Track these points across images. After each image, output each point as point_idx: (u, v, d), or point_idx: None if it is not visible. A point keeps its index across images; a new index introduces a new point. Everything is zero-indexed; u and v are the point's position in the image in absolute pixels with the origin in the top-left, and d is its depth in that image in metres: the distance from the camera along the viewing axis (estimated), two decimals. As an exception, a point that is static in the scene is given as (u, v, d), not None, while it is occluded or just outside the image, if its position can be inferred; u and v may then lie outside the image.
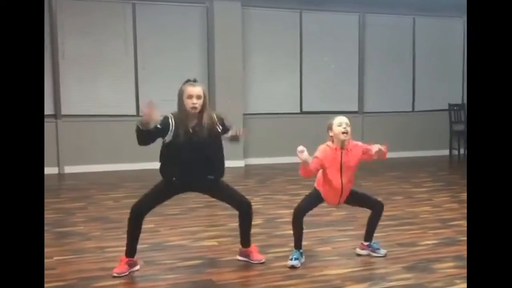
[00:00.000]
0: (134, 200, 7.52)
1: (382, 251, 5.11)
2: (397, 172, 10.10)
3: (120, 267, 4.68)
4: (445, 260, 5.08)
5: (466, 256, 5.09)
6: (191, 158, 4.60)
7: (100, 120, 10.22)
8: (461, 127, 12.24)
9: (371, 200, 5.07)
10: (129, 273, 4.71)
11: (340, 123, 4.75)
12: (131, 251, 4.75)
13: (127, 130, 10.06)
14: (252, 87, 11.02)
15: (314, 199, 4.99)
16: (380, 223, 6.20)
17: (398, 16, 12.07)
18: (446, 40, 12.45)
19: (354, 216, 6.40)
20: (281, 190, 8.42)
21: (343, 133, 4.72)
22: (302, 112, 11.50)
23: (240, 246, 5.07)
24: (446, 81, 12.45)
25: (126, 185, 8.80)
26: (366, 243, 5.14)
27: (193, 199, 7.56)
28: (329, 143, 4.84)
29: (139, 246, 5.43)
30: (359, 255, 5.16)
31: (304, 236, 5.60)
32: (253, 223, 6.33)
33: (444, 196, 7.97)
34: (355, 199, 5.04)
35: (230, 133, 4.85)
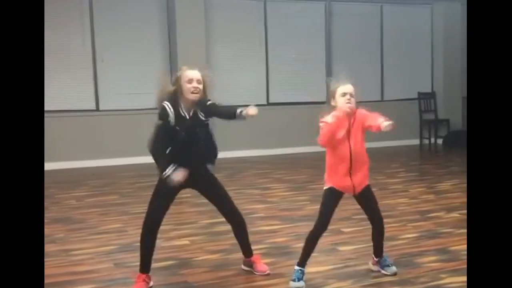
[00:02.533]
0: (98, 199, 7.39)
1: (391, 269, 4.44)
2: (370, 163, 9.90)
3: (139, 286, 4.24)
4: (427, 254, 4.91)
5: (448, 249, 5.00)
6: (189, 146, 4.23)
7: (57, 116, 9.73)
8: (431, 116, 12.15)
9: (373, 210, 4.41)
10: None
11: (344, 92, 4.12)
12: (147, 266, 4.32)
13: (87, 125, 9.85)
14: (216, 79, 10.64)
15: (330, 201, 4.23)
16: (357, 216, 6.04)
17: (365, 4, 11.89)
18: (414, 28, 12.32)
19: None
20: (252, 184, 8.17)
21: (347, 103, 4.11)
22: (268, 104, 11.24)
23: (243, 256, 4.67)
24: (415, 70, 12.34)
25: (88, 183, 8.44)
26: (376, 259, 4.51)
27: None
28: (334, 113, 4.17)
29: (106, 248, 5.17)
30: (338, 250, 4.98)
31: (279, 232, 5.38)
32: (224, 219, 6.11)
33: (420, 187, 7.81)
34: (365, 197, 4.34)
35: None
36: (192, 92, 4.16)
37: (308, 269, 4.48)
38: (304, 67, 11.38)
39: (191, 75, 4.20)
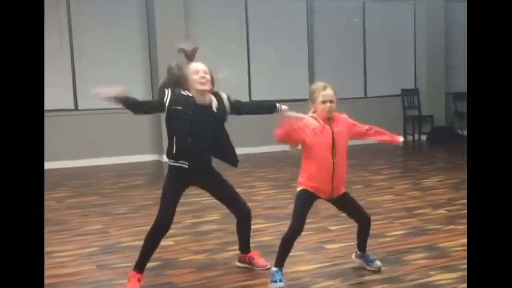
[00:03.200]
0: (78, 200, 7.24)
1: (376, 264, 4.37)
2: (353, 160, 9.71)
3: (132, 284, 4.12)
4: (415, 251, 4.83)
5: (436, 245, 4.94)
6: (200, 138, 4.12)
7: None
8: (415, 112, 12.11)
9: (359, 212, 4.36)
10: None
11: (324, 100, 4.01)
12: (143, 266, 4.21)
13: (66, 125, 9.68)
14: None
15: (305, 203, 4.12)
16: (344, 214, 5.94)
17: (347, 1, 11.80)
18: (397, 24, 12.26)
19: (315, 207, 6.05)
20: (235, 183, 7.80)
21: (328, 112, 4.02)
22: (251, 101, 11.11)
23: (239, 252, 4.58)
24: (398, 66, 12.27)
25: (68, 183, 8.27)
26: (360, 252, 4.45)
27: (142, 196, 7.17)
28: (313, 114, 4.10)
29: (88, 250, 5.06)
30: (326, 249, 4.88)
31: (264, 231, 5.30)
32: (209, 218, 6.04)
33: (405, 183, 7.74)
34: (346, 202, 4.30)
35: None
36: (200, 83, 4.10)
37: (296, 267, 4.43)
38: (286, 64, 11.24)
39: (197, 66, 4.19)
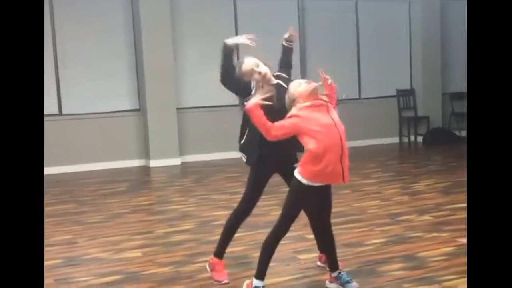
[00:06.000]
0: (54, 208, 7.00)
1: (354, 285, 3.99)
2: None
3: (220, 274, 4.20)
4: (392, 261, 4.60)
5: (415, 255, 4.70)
6: None
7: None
8: (411, 113, 11.86)
9: (329, 224, 4.03)
10: None
11: (299, 83, 3.80)
12: (223, 252, 4.30)
13: (49, 130, 9.41)
14: (185, 79, 10.27)
15: (303, 201, 3.83)
16: (331, 221, 5.71)
17: (339, 0, 11.52)
18: (391, 23, 11.97)
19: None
20: (219, 188, 7.79)
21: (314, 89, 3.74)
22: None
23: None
24: (393, 66, 11.99)
25: (49, 191, 7.99)
26: (334, 274, 4.02)
27: (119, 204, 6.96)
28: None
29: (50, 262, 4.85)
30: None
31: (238, 241, 5.07)
32: (183, 228, 5.82)
33: (394, 188, 7.49)
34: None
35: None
36: (262, 76, 4.12)
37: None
38: (277, 65, 10.90)
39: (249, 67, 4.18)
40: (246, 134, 4.16)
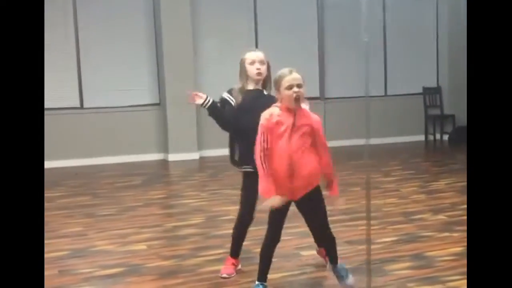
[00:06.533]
0: (69, 200, 7.01)
1: (349, 281, 3.91)
2: (368, 160, 9.43)
3: (226, 268, 4.22)
4: (400, 260, 4.50)
5: (424, 254, 4.61)
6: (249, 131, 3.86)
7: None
8: (437, 111, 11.66)
9: (322, 228, 3.87)
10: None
11: (290, 84, 3.53)
12: (236, 252, 4.27)
13: (71, 123, 9.44)
14: (205, 73, 10.20)
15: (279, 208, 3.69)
16: (337, 217, 5.62)
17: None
18: (418, 20, 11.74)
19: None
20: (232, 184, 7.62)
21: (295, 98, 3.53)
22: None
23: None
24: (420, 64, 11.77)
25: (66, 183, 8.04)
26: (331, 265, 3.95)
27: (134, 197, 6.96)
28: (277, 104, 3.65)
29: (57, 253, 4.86)
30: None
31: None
32: (192, 222, 5.79)
33: (413, 186, 7.36)
34: (311, 205, 3.74)
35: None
36: (256, 73, 4.07)
37: None
38: (296, 61, 10.61)
39: (252, 56, 4.11)
40: (238, 148, 4.21)
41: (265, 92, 4.13)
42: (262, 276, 3.79)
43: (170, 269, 4.42)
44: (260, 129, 3.58)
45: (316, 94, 11.03)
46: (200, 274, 4.27)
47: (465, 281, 3.97)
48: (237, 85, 4.15)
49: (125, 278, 4.27)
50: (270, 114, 3.58)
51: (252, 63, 4.06)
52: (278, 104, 3.64)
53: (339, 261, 3.94)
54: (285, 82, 3.55)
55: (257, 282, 3.79)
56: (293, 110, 3.57)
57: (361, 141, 11.19)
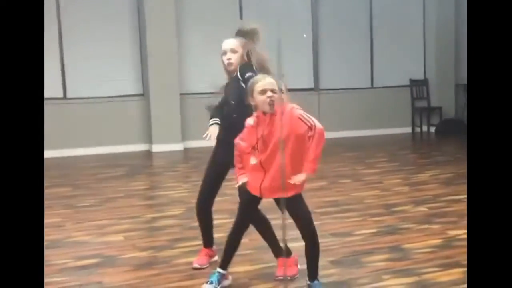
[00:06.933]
0: (49, 191, 6.88)
1: None
2: (355, 152, 9.44)
3: (199, 259, 4.20)
4: (378, 252, 4.48)
5: (402, 246, 4.58)
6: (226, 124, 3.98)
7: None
8: (424, 103, 11.64)
9: (303, 219, 3.64)
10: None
11: (263, 89, 3.45)
12: (206, 241, 4.27)
13: (54, 114, 9.24)
14: (189, 65, 10.11)
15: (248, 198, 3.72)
16: (319, 210, 5.60)
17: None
18: (405, 12, 11.67)
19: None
20: None
21: (269, 104, 3.44)
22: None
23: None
24: (407, 56, 11.70)
25: (48, 173, 7.83)
26: (309, 282, 3.71)
27: (114, 188, 6.90)
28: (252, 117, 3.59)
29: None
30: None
31: (221, 227, 4.96)
32: (171, 213, 5.75)
33: (396, 178, 7.32)
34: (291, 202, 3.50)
35: None
36: (227, 64, 4.00)
37: (237, 268, 4.11)
38: (290, 53, 10.51)
39: (223, 46, 4.00)
40: None
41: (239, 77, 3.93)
42: (224, 263, 3.75)
43: (145, 260, 4.38)
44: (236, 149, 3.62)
45: (311, 85, 10.97)
46: (175, 266, 4.24)
47: (441, 273, 3.99)
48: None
49: (100, 269, 4.23)
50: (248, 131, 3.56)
51: (224, 53, 3.97)
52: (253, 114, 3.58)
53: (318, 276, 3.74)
54: (258, 87, 3.49)
55: (217, 269, 3.76)
56: (269, 115, 3.49)
57: (353, 133, 11.25)
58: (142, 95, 9.93)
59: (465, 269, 4.01)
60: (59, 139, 9.31)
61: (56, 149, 9.21)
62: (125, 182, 7.29)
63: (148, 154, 9.63)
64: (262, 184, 3.55)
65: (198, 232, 4.83)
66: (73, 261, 4.40)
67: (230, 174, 4.06)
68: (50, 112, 9.26)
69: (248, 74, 3.80)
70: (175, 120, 9.70)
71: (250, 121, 3.58)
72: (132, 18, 9.90)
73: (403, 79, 11.62)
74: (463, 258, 4.23)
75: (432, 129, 11.51)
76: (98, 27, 9.66)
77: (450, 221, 5.22)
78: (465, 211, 5.55)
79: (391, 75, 11.60)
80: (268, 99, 3.43)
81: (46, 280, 3.97)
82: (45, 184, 7.16)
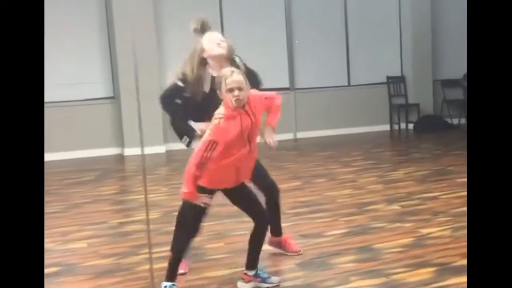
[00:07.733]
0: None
1: (274, 279, 3.81)
2: (331, 151, 9.34)
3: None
4: (347, 253, 4.38)
5: (372, 246, 4.48)
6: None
7: None
8: (401, 100, 11.55)
9: (256, 205, 3.79)
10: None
11: (230, 88, 3.41)
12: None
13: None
14: (170, 65, 9.91)
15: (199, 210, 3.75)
16: (290, 211, 5.49)
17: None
18: (380, 9, 11.55)
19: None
20: None
21: (236, 101, 3.42)
22: (226, 90, 10.55)
23: (270, 235, 4.29)
24: (383, 53, 11.59)
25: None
26: (250, 273, 3.79)
27: (82, 194, 6.75)
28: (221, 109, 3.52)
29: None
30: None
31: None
32: (140, 218, 5.58)
33: (371, 176, 7.22)
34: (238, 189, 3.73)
35: None
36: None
37: (208, 273, 4.05)
38: (264, 51, 10.33)
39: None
40: None
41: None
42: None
43: (107, 268, 4.24)
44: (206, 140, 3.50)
45: (286, 84, 10.86)
46: (137, 273, 4.11)
47: (409, 273, 3.89)
48: None
49: (59, 278, 4.10)
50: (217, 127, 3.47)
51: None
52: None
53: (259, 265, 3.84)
54: (226, 85, 3.43)
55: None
56: (238, 111, 3.48)
57: (330, 132, 11.13)
58: (112, 97, 9.74)
59: (435, 268, 3.96)
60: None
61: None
62: (94, 187, 7.13)
63: (120, 158, 9.45)
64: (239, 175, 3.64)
65: (170, 238, 4.71)
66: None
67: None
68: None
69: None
70: (156, 122, 9.34)
71: (219, 119, 3.47)
72: (100, 18, 9.70)
73: (380, 76, 11.51)
74: (433, 257, 4.16)
75: (410, 126, 11.43)
76: (65, 28, 9.42)
77: (422, 219, 5.13)
78: (438, 209, 5.50)
79: (367, 72, 11.47)
80: (234, 98, 3.41)
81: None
82: (12, 191, 7.02)
